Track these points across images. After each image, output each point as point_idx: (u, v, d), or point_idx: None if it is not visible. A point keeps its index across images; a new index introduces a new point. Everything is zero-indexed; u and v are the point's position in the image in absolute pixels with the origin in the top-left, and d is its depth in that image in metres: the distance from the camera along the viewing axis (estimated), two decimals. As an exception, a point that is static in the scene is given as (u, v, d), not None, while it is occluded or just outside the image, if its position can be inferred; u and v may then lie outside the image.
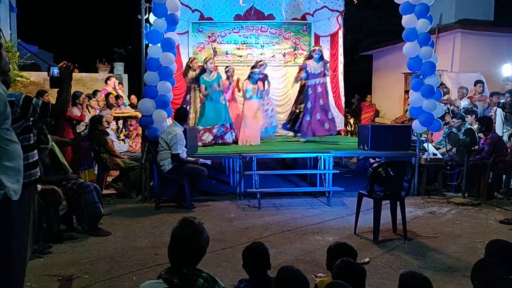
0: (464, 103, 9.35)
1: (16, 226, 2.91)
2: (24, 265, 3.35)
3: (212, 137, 8.59)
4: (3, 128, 2.75)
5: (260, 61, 9.56)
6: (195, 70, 9.26)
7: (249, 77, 9.07)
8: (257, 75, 9.03)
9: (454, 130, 7.99)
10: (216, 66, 9.24)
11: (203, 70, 8.81)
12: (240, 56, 11.02)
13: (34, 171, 3.34)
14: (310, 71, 8.95)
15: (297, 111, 9.33)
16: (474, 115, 8.24)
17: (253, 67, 9.20)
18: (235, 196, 7.52)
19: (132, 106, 10.45)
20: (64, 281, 4.18)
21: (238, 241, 5.30)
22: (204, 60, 9.00)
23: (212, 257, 4.61)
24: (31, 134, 3.33)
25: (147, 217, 6.38)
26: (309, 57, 9.16)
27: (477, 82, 9.78)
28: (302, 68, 9.12)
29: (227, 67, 9.56)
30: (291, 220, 6.27)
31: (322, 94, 9.04)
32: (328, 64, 9.40)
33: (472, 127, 7.89)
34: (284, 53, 11.10)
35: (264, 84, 9.37)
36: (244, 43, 11.08)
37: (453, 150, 7.85)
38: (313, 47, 9.72)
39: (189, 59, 9.67)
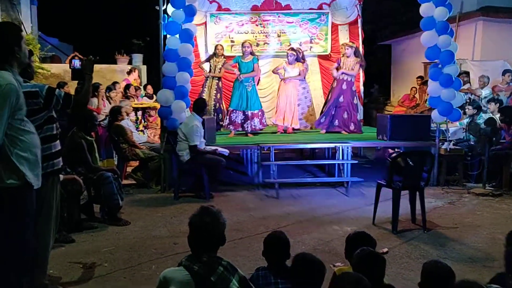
0: (485, 92, 9.20)
1: (32, 213, 2.96)
2: (47, 252, 3.43)
3: (228, 121, 8.67)
4: (17, 118, 2.80)
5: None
6: (219, 56, 9.36)
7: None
8: (292, 56, 9.17)
9: (467, 119, 7.88)
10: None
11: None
12: (257, 46, 10.98)
13: (57, 161, 3.40)
14: (343, 67, 8.89)
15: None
16: (498, 104, 8.08)
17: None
18: (253, 186, 7.54)
19: (149, 96, 10.51)
20: (85, 268, 4.25)
21: (256, 230, 5.33)
22: (242, 43, 9.05)
23: (230, 247, 4.63)
24: (54, 125, 3.39)
25: (166, 207, 6.44)
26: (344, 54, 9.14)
27: (506, 71, 9.51)
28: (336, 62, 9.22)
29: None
30: (309, 210, 6.28)
31: (348, 92, 8.94)
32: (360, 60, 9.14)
33: (494, 116, 7.76)
34: (301, 42, 11.01)
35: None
36: (261, 32, 11.04)
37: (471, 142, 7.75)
38: (347, 43, 9.52)
39: (216, 45, 9.73)
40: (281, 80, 9.34)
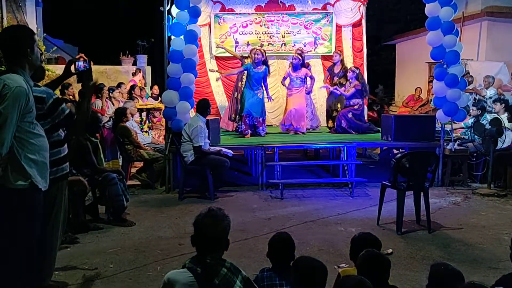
0: (490, 92, 9.16)
1: (39, 216, 2.97)
2: (54, 255, 3.45)
3: (244, 127, 8.60)
4: (26, 121, 2.82)
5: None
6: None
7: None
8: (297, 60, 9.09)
9: (472, 120, 7.85)
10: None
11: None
12: (261, 46, 10.98)
13: (65, 165, 3.41)
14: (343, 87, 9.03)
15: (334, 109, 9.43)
16: (503, 104, 8.05)
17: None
18: (257, 187, 7.54)
19: (154, 97, 10.54)
20: (90, 270, 4.26)
21: (261, 231, 5.33)
22: (252, 50, 8.89)
23: (235, 248, 4.62)
24: (60, 129, 3.40)
25: (170, 208, 6.45)
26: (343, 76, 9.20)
27: None
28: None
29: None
30: (314, 211, 6.27)
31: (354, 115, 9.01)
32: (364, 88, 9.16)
33: (499, 116, 7.73)
34: (305, 43, 11.01)
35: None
36: (265, 33, 11.04)
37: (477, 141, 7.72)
38: (351, 68, 9.40)
39: (252, 49, 9.56)
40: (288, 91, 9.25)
